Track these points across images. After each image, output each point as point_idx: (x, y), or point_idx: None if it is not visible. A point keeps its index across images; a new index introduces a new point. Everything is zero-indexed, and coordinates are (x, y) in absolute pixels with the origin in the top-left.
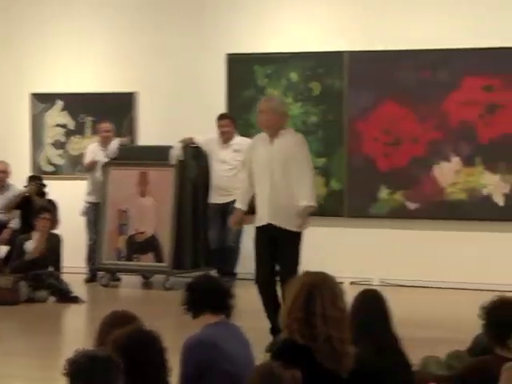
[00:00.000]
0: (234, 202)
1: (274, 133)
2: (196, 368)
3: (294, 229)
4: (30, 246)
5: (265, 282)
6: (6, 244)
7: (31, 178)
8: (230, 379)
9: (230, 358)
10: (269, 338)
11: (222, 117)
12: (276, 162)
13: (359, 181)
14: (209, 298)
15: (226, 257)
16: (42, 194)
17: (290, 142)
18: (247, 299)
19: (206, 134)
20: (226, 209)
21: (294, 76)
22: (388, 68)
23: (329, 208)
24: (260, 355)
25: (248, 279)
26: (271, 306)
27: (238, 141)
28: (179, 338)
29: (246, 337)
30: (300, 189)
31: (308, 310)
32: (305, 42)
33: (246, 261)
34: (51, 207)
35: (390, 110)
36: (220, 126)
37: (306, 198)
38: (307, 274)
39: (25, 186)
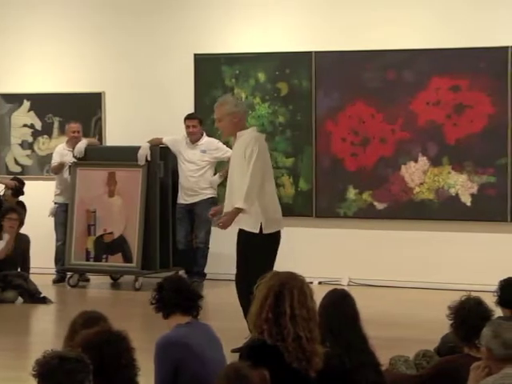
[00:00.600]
0: (200, 202)
1: (234, 136)
2: (171, 366)
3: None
4: None
5: None
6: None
7: (15, 179)
8: (200, 379)
9: (201, 358)
10: (235, 337)
11: (189, 117)
12: (231, 165)
13: (327, 181)
14: (179, 298)
15: (195, 257)
16: (18, 194)
17: (242, 145)
18: (217, 299)
19: (174, 135)
20: (193, 209)
21: (261, 76)
22: (355, 68)
23: (297, 208)
24: (229, 355)
25: (217, 279)
26: None
27: (206, 141)
28: (148, 338)
29: (217, 336)
30: (237, 191)
31: (277, 309)
32: (272, 42)
33: (215, 261)
34: (19, 208)
35: (358, 110)
36: (187, 127)
37: (239, 199)
38: (276, 274)
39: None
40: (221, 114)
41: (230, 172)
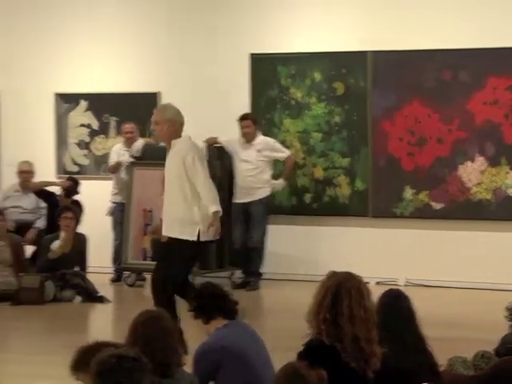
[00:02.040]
0: (256, 201)
1: (168, 144)
2: (208, 374)
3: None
4: (55, 245)
5: None
6: (32, 244)
7: (69, 179)
8: (243, 378)
9: (242, 358)
10: (291, 337)
11: (243, 117)
12: (167, 174)
13: (384, 181)
14: (219, 304)
15: (251, 257)
16: (70, 194)
17: (179, 153)
18: (273, 299)
19: (229, 135)
20: (249, 208)
21: (317, 76)
22: (411, 68)
23: (353, 208)
24: (282, 354)
25: (273, 279)
26: None
27: (261, 140)
28: (204, 336)
29: (257, 334)
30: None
31: (334, 310)
32: (328, 41)
33: (271, 261)
34: (74, 207)
35: (414, 110)
36: (241, 127)
37: (210, 205)
38: (334, 274)
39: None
40: (159, 118)
41: (166, 180)
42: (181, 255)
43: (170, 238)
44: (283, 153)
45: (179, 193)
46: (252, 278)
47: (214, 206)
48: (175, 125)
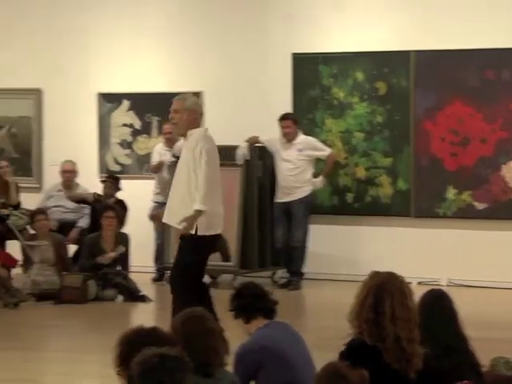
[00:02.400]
0: (297, 200)
1: (184, 134)
2: (249, 374)
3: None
4: (107, 255)
5: None
6: (74, 243)
7: (108, 177)
8: (284, 377)
9: (282, 357)
10: (333, 337)
11: (283, 117)
12: (179, 163)
13: (426, 181)
14: (260, 303)
15: (293, 256)
16: (114, 191)
17: (192, 143)
18: (315, 299)
19: (272, 134)
20: (290, 208)
21: (359, 75)
22: (454, 67)
23: (395, 208)
24: (324, 354)
25: (315, 279)
26: None
27: (302, 140)
28: (244, 336)
29: (298, 333)
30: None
31: (377, 310)
32: (371, 41)
33: (313, 260)
34: (116, 206)
35: (457, 110)
36: (282, 127)
37: (197, 201)
38: (376, 274)
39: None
40: (179, 106)
41: (177, 169)
42: (181, 249)
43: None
44: (324, 151)
45: (185, 184)
46: (294, 277)
47: (198, 205)
48: (194, 114)
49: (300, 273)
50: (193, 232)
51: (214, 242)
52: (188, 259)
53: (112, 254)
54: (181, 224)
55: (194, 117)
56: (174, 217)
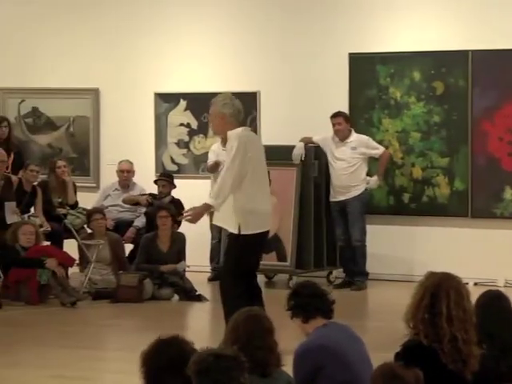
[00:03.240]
0: (352, 199)
1: (224, 136)
2: (307, 375)
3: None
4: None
5: None
6: (130, 242)
7: (161, 175)
8: (343, 379)
9: (341, 359)
10: (392, 338)
11: (335, 115)
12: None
13: (483, 181)
14: (318, 303)
15: (354, 256)
16: (168, 193)
17: (229, 144)
18: (378, 299)
19: (328, 134)
20: (346, 207)
21: (416, 75)
22: None
23: (452, 208)
24: (383, 355)
25: (376, 279)
26: None
27: (355, 138)
28: (301, 338)
29: (357, 335)
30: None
31: (433, 310)
32: (428, 40)
33: (369, 261)
34: (170, 206)
35: None
36: (333, 125)
37: (211, 196)
38: (432, 274)
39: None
40: (212, 111)
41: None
42: (228, 248)
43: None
44: (378, 149)
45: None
46: (358, 277)
47: (211, 200)
48: (224, 117)
49: (364, 272)
50: (235, 231)
51: (262, 241)
52: (234, 259)
53: (176, 266)
54: (191, 211)
55: (225, 120)
56: (220, 218)
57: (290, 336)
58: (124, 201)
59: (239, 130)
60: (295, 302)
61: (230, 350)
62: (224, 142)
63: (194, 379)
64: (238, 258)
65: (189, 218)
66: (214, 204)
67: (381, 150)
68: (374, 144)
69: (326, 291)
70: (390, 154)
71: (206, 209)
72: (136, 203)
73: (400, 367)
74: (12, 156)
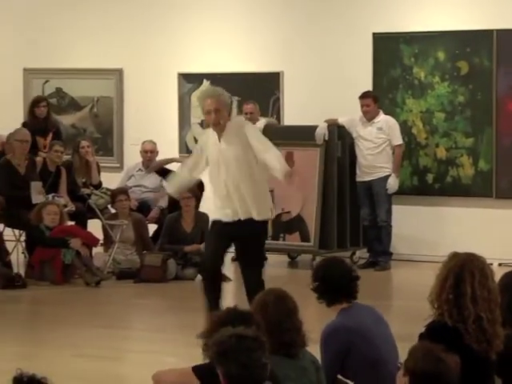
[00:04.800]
0: (378, 179)
1: (221, 129)
2: (336, 355)
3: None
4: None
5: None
6: (154, 223)
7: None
8: (369, 360)
9: (368, 340)
10: (416, 318)
11: (363, 95)
12: (227, 159)
13: (508, 161)
14: (343, 287)
15: (380, 236)
16: None
17: (237, 131)
18: (400, 279)
19: (351, 114)
20: (371, 187)
21: (441, 55)
22: None
23: (476, 189)
24: (407, 335)
25: (395, 259)
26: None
27: (382, 119)
28: (324, 317)
29: (382, 316)
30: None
31: (457, 290)
32: (453, 20)
33: (393, 241)
34: (194, 186)
35: None
36: (361, 106)
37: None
38: (456, 255)
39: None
40: (220, 105)
41: (225, 166)
42: (258, 236)
43: (251, 223)
44: (397, 139)
45: (248, 176)
46: (382, 257)
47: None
48: (230, 109)
49: (388, 252)
50: (269, 216)
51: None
52: (263, 247)
53: (200, 246)
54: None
55: (229, 112)
56: (247, 211)
57: (313, 316)
58: (150, 169)
59: (238, 117)
60: (320, 288)
61: (251, 331)
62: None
63: (215, 360)
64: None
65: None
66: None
67: (398, 141)
68: (398, 132)
69: (352, 270)
70: (404, 151)
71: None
72: (162, 169)
73: (442, 350)
74: (51, 135)
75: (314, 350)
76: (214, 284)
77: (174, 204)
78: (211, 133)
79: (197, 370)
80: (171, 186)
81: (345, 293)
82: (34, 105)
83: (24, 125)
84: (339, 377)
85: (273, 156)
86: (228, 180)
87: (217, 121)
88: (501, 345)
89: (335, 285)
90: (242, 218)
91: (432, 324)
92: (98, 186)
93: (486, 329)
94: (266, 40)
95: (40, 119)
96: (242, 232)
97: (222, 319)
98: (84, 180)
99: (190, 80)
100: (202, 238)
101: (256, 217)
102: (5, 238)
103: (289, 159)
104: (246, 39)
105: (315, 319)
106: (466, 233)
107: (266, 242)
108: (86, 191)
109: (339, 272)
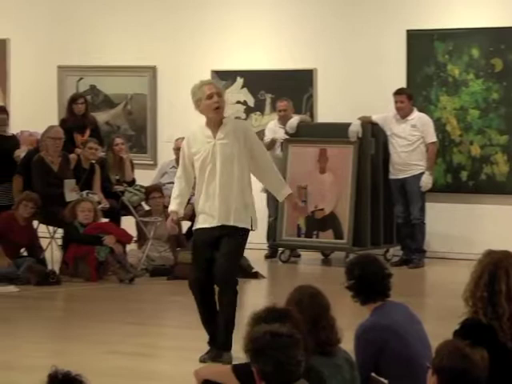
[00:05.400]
0: (411, 177)
1: (217, 121)
2: (370, 354)
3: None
4: None
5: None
6: (188, 220)
7: None
8: (404, 359)
9: (403, 338)
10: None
11: (397, 92)
12: (224, 154)
13: None
14: (378, 285)
15: (413, 233)
16: None
17: (237, 131)
18: (434, 277)
19: (385, 112)
20: (405, 185)
21: (475, 52)
22: None
23: (511, 186)
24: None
25: (429, 257)
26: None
27: (417, 116)
28: (358, 314)
29: (415, 314)
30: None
31: (492, 288)
32: (487, 17)
33: (427, 238)
34: None
35: None
36: (395, 102)
37: (284, 186)
38: (491, 252)
39: None
40: (220, 90)
41: (218, 162)
42: (234, 245)
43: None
44: (431, 137)
45: (240, 177)
46: (416, 255)
47: (287, 188)
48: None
49: (421, 250)
50: (248, 227)
51: None
52: (239, 256)
53: None
54: (295, 202)
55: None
56: (233, 215)
57: (347, 313)
58: None
59: (238, 119)
60: (355, 286)
61: (286, 328)
62: (283, 120)
63: (251, 358)
64: (241, 255)
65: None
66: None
67: (432, 139)
68: (432, 130)
69: (385, 268)
70: (437, 148)
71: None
72: None
73: (468, 347)
74: (88, 132)
75: (348, 347)
76: (205, 297)
77: None
78: (198, 131)
79: (236, 369)
80: (180, 209)
81: (379, 291)
82: (72, 102)
83: (62, 122)
84: (373, 375)
85: (274, 178)
86: (221, 179)
87: (221, 104)
88: None
89: (370, 283)
90: (222, 224)
91: (466, 322)
92: (132, 183)
93: None
94: (300, 37)
95: (78, 116)
96: (223, 232)
97: (261, 318)
98: (118, 177)
99: (223, 77)
100: None
101: (232, 222)
102: (39, 235)
103: (322, 156)
104: (279, 36)
105: (349, 316)
106: (500, 230)
107: (300, 238)
108: (119, 188)
109: (374, 270)
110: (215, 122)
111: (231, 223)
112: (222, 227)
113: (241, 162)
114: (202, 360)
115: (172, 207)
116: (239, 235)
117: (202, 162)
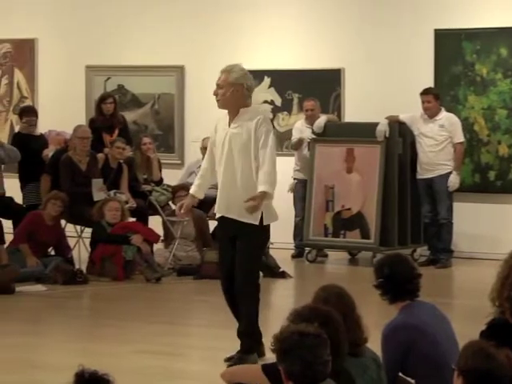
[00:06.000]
0: (438, 177)
1: (232, 111)
2: (397, 353)
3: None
4: None
5: None
6: (214, 219)
7: None
8: (432, 359)
9: (431, 338)
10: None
11: (424, 92)
12: (233, 147)
13: None
14: (408, 284)
15: (440, 233)
16: None
17: (251, 124)
18: (462, 277)
19: (412, 111)
20: (432, 184)
21: (503, 51)
22: None
23: None
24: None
25: (457, 257)
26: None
27: (444, 116)
28: (386, 314)
29: (443, 314)
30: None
31: None
32: None
33: (455, 238)
34: None
35: None
36: (422, 102)
37: (264, 183)
38: None
39: None
40: (224, 82)
41: (229, 151)
42: (248, 243)
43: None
44: (459, 137)
45: (246, 170)
46: (443, 255)
47: (266, 186)
48: (241, 89)
49: (449, 250)
50: (257, 222)
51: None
52: (259, 254)
53: None
54: (249, 203)
55: (240, 93)
56: (237, 209)
57: (374, 313)
58: None
59: (262, 110)
60: (384, 285)
61: (313, 328)
62: (310, 119)
63: (278, 357)
64: (258, 254)
65: (250, 211)
66: (271, 191)
67: (460, 139)
68: (460, 130)
69: (415, 268)
70: (465, 148)
71: (264, 197)
72: None
73: (492, 347)
74: (117, 132)
75: (376, 347)
76: (232, 297)
77: None
78: (222, 118)
79: (266, 368)
80: (198, 191)
81: (407, 290)
82: (101, 101)
83: (91, 121)
84: (400, 375)
85: (261, 172)
86: (227, 169)
87: (219, 97)
88: None
89: (400, 282)
90: (222, 215)
91: (493, 322)
92: (159, 182)
93: None
94: (327, 37)
95: (107, 116)
96: (235, 232)
97: (303, 316)
98: (145, 176)
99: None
100: None
101: (235, 216)
102: (67, 234)
103: (349, 156)
104: (307, 36)
105: (377, 316)
106: None
107: (327, 238)
108: (147, 188)
109: (403, 269)
110: (232, 111)
111: (232, 216)
112: (233, 223)
113: (248, 153)
114: (226, 359)
115: (191, 190)
116: (253, 234)
117: (216, 150)
